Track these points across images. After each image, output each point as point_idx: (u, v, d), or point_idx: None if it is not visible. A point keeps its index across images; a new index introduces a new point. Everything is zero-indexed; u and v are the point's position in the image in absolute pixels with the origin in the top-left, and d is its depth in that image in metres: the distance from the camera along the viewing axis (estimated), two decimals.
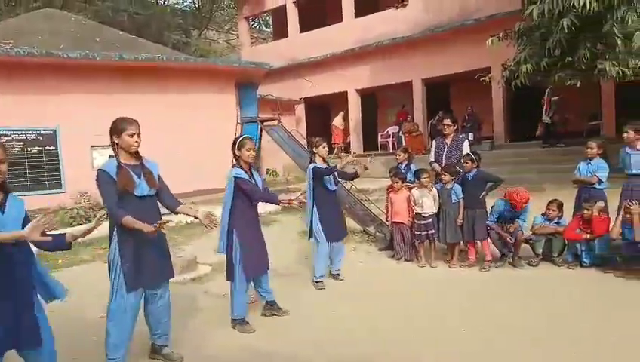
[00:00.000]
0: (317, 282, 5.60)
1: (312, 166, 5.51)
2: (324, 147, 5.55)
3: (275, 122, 11.82)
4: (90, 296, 4.99)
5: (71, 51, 9.97)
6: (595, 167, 5.94)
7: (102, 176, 3.32)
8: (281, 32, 20.97)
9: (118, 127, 3.41)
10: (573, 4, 8.24)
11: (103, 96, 10.24)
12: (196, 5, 27.79)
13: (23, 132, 9.84)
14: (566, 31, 8.61)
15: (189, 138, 11.04)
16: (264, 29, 30.09)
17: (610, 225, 5.58)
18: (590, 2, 8.04)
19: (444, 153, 6.51)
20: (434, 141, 6.90)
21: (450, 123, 6.56)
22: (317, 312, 4.82)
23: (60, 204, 9.48)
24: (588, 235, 5.64)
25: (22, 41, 10.43)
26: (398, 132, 16.51)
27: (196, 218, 3.62)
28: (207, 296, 5.47)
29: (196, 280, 6.04)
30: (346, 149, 17.07)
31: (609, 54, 8.59)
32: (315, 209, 5.51)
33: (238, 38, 23.67)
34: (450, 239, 6.18)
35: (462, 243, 6.28)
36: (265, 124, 11.65)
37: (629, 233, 5.30)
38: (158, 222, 3.31)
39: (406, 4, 16.34)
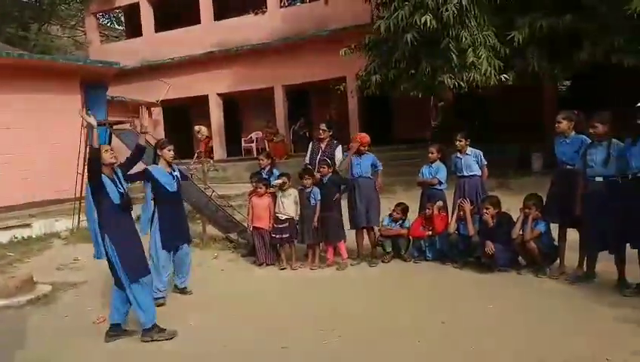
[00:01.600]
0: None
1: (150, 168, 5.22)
2: (169, 150, 5.25)
3: (128, 126, 11.08)
4: None
5: None
6: (436, 169, 6.52)
7: None
8: (134, 30, 19.79)
9: None
10: (416, 21, 9.04)
11: None
12: None
13: None
14: (410, 45, 9.40)
15: (24, 144, 9.81)
16: (116, 26, 28.12)
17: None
18: (430, 20, 8.89)
19: (319, 156, 6.71)
20: (310, 144, 7.14)
21: (325, 128, 6.84)
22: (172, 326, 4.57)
23: None
24: (430, 232, 6.20)
25: None
26: (262, 137, 16.63)
27: None
28: (47, 318, 4.90)
29: (34, 301, 5.37)
30: (208, 154, 16.71)
31: (447, 68, 9.56)
32: (156, 214, 5.15)
33: (85, 35, 21.79)
34: (307, 240, 6.35)
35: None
36: (115, 128, 10.84)
37: (463, 228, 5.93)
38: None
39: (265, 11, 16.53)
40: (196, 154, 14.11)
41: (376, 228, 6.44)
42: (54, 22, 25.01)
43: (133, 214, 4.41)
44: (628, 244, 4.59)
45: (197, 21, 17.53)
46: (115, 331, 4.29)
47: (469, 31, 9.11)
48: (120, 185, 4.24)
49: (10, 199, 9.12)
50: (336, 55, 11.60)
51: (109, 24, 27.73)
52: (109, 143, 10.67)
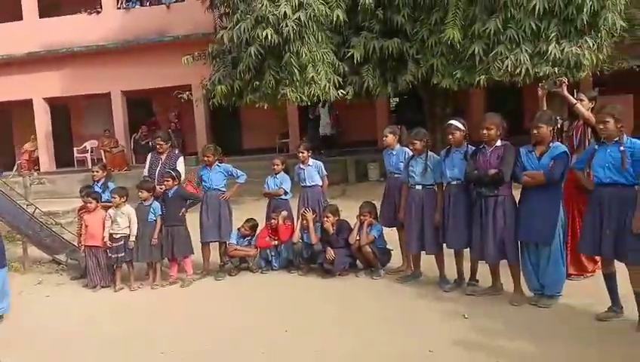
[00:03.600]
0: None
1: None
2: None
3: None
4: None
5: None
6: (281, 180, 6.66)
7: None
8: None
9: None
10: (258, 34, 9.17)
11: None
12: None
13: None
14: (253, 57, 9.50)
15: None
16: None
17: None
18: (271, 35, 9.08)
19: (159, 168, 6.39)
20: (149, 155, 6.82)
21: (162, 142, 6.59)
22: None
23: None
24: (276, 242, 6.30)
25: None
26: (98, 147, 15.37)
27: None
28: None
29: None
30: (32, 166, 14.98)
31: (289, 82, 9.83)
32: None
33: None
34: (142, 259, 6.02)
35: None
36: None
37: (306, 237, 6.15)
38: None
39: (99, 11, 15.35)
40: (16, 166, 12.49)
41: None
42: None
43: None
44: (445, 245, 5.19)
45: (18, 17, 15.59)
46: None
47: (309, 47, 9.51)
48: None
49: None
50: (181, 62, 11.23)
51: None
52: None
